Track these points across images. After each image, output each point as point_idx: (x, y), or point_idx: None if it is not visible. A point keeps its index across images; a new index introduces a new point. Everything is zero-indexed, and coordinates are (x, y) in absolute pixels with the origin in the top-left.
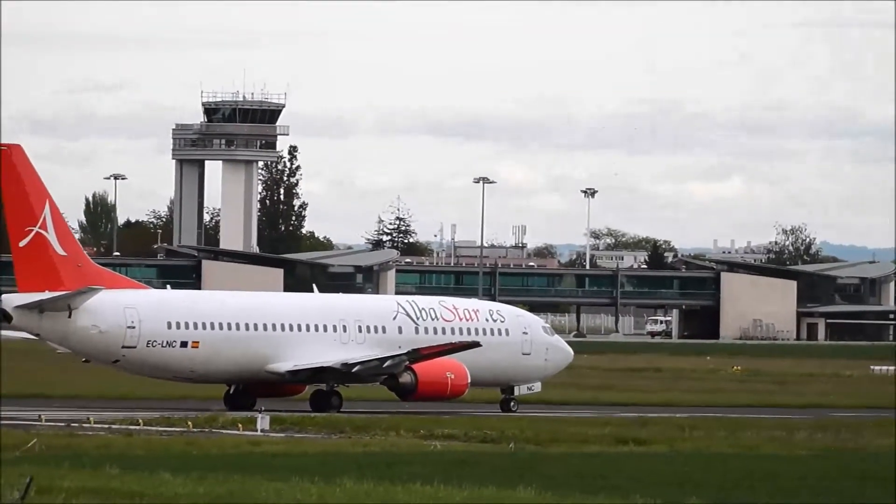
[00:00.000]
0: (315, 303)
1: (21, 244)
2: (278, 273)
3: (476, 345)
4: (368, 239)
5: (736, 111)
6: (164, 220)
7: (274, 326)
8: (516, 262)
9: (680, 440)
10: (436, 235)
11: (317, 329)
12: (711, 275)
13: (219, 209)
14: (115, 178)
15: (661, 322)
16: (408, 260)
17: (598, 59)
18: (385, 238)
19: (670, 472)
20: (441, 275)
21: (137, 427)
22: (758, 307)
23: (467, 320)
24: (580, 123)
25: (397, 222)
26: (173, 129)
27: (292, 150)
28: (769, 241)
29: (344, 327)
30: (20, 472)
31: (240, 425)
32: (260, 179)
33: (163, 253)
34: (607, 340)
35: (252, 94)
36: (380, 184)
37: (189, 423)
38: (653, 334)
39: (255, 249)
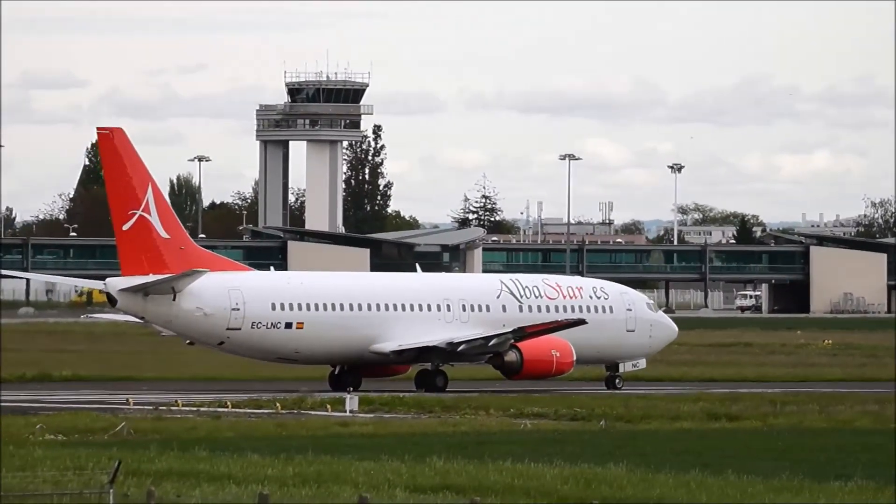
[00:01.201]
0: (419, 282)
1: (124, 227)
2: (364, 253)
3: (582, 322)
4: (454, 217)
5: (824, 82)
6: (248, 201)
7: (378, 306)
8: (603, 239)
9: (772, 416)
10: (522, 213)
11: (421, 308)
12: (800, 249)
13: (304, 190)
14: (200, 159)
15: (751, 297)
16: (494, 238)
17: (685, 35)
18: (471, 216)
19: (763, 448)
20: (528, 253)
21: (225, 409)
22: (848, 281)
23: (571, 298)
24: (666, 98)
25: (483, 200)
26: (257, 110)
27: (376, 130)
28: (858, 214)
29: (448, 306)
30: (109, 455)
31: (328, 407)
32: (344, 159)
33: (248, 234)
34: (696, 316)
35: (335, 73)
36: (465, 162)
37: (278, 404)
38: (742, 309)
39: (341, 229)
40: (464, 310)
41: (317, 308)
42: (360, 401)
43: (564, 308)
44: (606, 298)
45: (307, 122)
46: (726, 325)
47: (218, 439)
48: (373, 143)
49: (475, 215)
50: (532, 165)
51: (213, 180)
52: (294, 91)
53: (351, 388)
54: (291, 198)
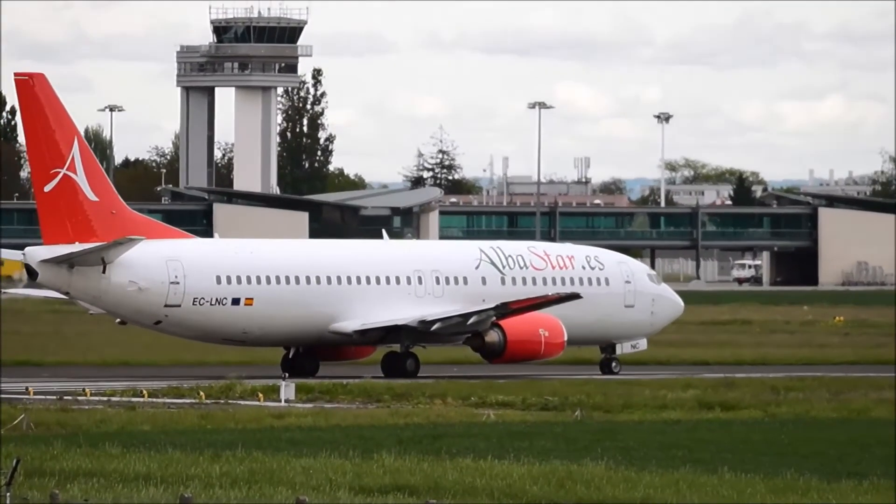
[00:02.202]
0: (385, 251)
1: (46, 189)
2: (302, 217)
3: (575, 296)
4: (407, 176)
5: (836, 18)
6: (168, 157)
7: (339, 279)
8: (579, 200)
9: (774, 404)
10: (485, 170)
11: (388, 282)
12: (807, 211)
13: (232, 144)
14: (111, 109)
15: (750, 267)
16: (453, 199)
17: None
18: (426, 174)
19: (764, 442)
20: (492, 216)
21: (141, 399)
22: (862, 248)
23: (561, 268)
24: (653, 37)
25: (440, 156)
26: (177, 52)
27: (316, 74)
28: (874, 170)
29: (419, 279)
30: (6, 453)
31: (260, 395)
32: (279, 109)
33: (168, 196)
34: (687, 289)
35: (268, 9)
36: (419, 112)
37: (201, 393)
38: (740, 281)
39: (276, 190)
40: (437, 283)
41: (268, 281)
42: (297, 388)
43: (553, 280)
44: (602, 269)
45: (236, 65)
46: (721, 299)
47: (133, 434)
48: (312, 90)
49: (431, 173)
50: (496, 115)
51: (127, 133)
52: (220, 30)
53: (286, 375)
54: (218, 154)
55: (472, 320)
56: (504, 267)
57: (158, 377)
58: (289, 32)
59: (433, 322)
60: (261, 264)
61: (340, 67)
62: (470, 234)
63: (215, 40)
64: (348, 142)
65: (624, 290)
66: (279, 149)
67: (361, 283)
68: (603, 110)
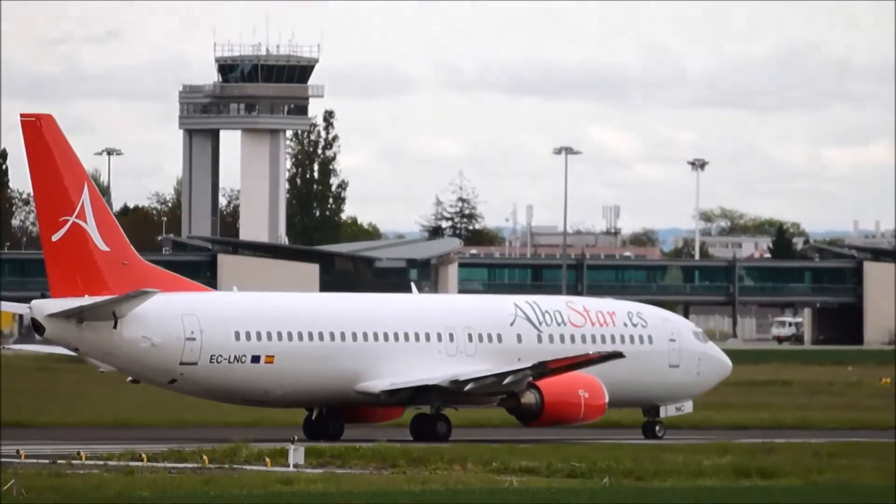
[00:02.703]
0: (415, 306)
1: (54, 238)
2: (313, 269)
3: (618, 355)
4: (424, 225)
5: (883, 53)
6: (170, 204)
7: (366, 336)
8: (608, 252)
9: (817, 471)
10: (507, 220)
11: (418, 338)
12: (852, 265)
13: (237, 191)
14: (109, 153)
15: (790, 324)
16: (473, 251)
17: None
18: (445, 224)
19: None
20: (515, 269)
21: (140, 463)
22: None
23: (601, 325)
24: (686, 75)
25: (460, 204)
26: (180, 92)
27: (328, 116)
28: None
29: (451, 336)
30: None
31: (267, 459)
32: (288, 153)
33: (169, 246)
34: (724, 347)
35: (277, 46)
36: (438, 156)
37: (204, 456)
38: (780, 339)
39: (284, 240)
40: (470, 340)
41: (290, 338)
42: (306, 452)
43: (593, 338)
44: (644, 326)
45: (242, 106)
46: (760, 358)
47: (131, 500)
48: (323, 133)
49: (450, 222)
50: (520, 160)
51: (126, 178)
52: (226, 68)
53: (295, 438)
54: (223, 201)
55: (507, 380)
56: (541, 323)
57: (159, 440)
58: (299, 71)
59: (466, 382)
60: (283, 319)
61: (353, 109)
62: (491, 288)
63: (220, 79)
64: (362, 188)
65: (668, 348)
66: (288, 196)
67: (390, 339)
68: (634, 155)
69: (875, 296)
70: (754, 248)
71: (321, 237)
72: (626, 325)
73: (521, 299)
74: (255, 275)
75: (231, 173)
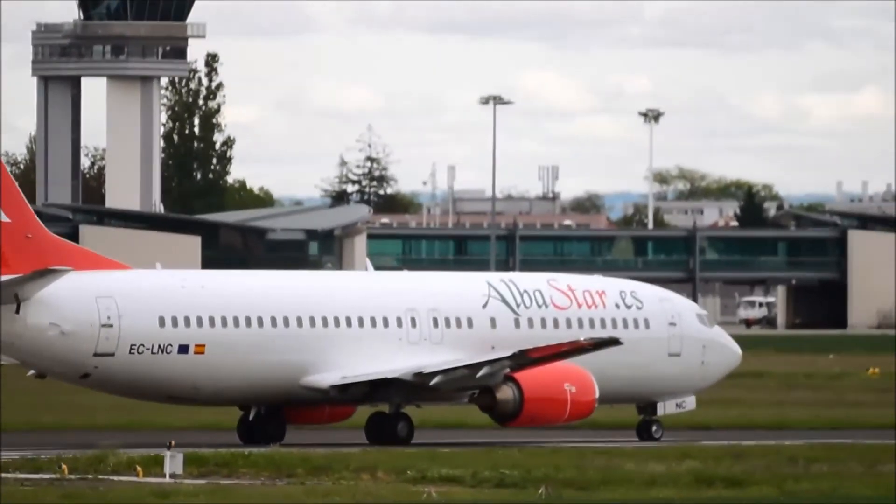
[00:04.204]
0: (371, 286)
1: None
2: (194, 242)
3: (615, 342)
4: (326, 190)
5: None
6: (21, 166)
7: (313, 321)
8: (545, 221)
9: (793, 479)
10: (425, 183)
11: (375, 324)
12: (834, 234)
13: (103, 150)
14: None
15: (761, 305)
16: (385, 220)
17: None
18: (351, 188)
19: None
20: (434, 241)
21: None
22: None
23: (589, 307)
24: (641, 12)
25: (368, 164)
26: (34, 32)
27: (211, 61)
28: None
29: (413, 320)
30: None
31: (139, 468)
32: (164, 105)
33: None
34: None
35: None
36: (344, 107)
37: (63, 466)
38: (748, 322)
39: (160, 208)
40: (436, 325)
41: (224, 324)
42: (185, 459)
43: (580, 322)
44: (640, 307)
45: (108, 48)
46: None
47: None
48: (205, 81)
49: (356, 186)
50: (441, 112)
51: None
52: (88, 3)
53: (172, 443)
54: (85, 162)
55: (482, 372)
56: (518, 305)
57: (9, 446)
58: (175, 7)
59: (432, 375)
60: (215, 302)
61: (241, 51)
62: (406, 264)
63: (81, 17)
64: (252, 146)
65: (668, 334)
66: (163, 156)
67: (341, 325)
68: (575, 106)
69: (861, 271)
70: (718, 216)
71: (203, 205)
72: (617, 306)
73: (496, 277)
74: (125, 249)
75: (95, 129)
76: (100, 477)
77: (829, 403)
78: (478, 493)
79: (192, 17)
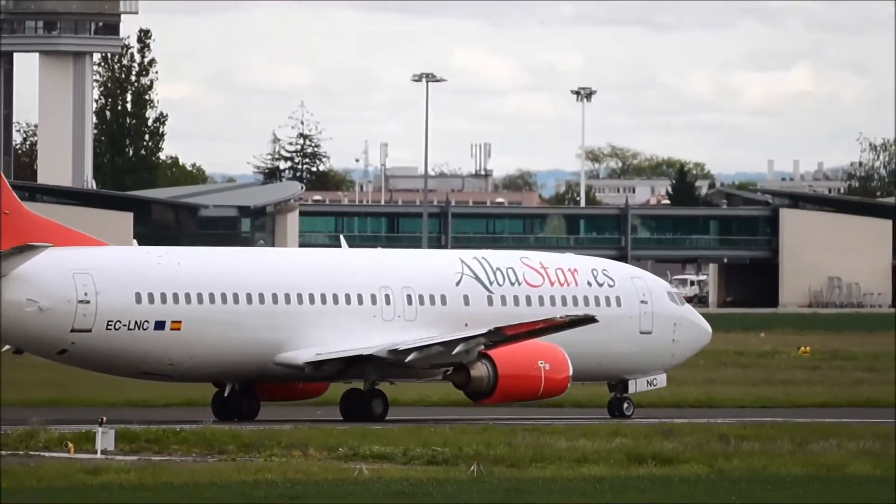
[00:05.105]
0: (344, 262)
1: None
2: (126, 218)
3: (591, 320)
4: (259, 167)
5: None
6: None
7: (288, 298)
8: (477, 199)
9: (723, 457)
10: (358, 160)
11: (349, 301)
12: (766, 212)
13: (35, 126)
14: None
15: (693, 283)
16: (317, 197)
17: None
18: (283, 165)
19: None
20: (367, 218)
21: None
22: (835, 259)
23: (561, 284)
24: None
25: (301, 141)
26: None
27: (143, 37)
28: (850, 161)
29: (387, 297)
30: None
31: (70, 444)
32: (96, 81)
33: None
34: None
35: None
36: (275, 84)
37: None
38: None
39: (92, 185)
40: (410, 302)
41: (200, 300)
42: (117, 436)
43: (552, 299)
44: (612, 285)
45: (40, 24)
46: None
47: None
48: (137, 57)
49: (289, 163)
50: (373, 89)
51: None
52: None
53: (103, 419)
54: (17, 137)
55: (457, 349)
56: (491, 283)
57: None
58: None
59: (408, 352)
60: (191, 279)
61: (174, 27)
62: (338, 241)
63: None
64: (184, 123)
65: (639, 311)
66: (96, 132)
67: (316, 302)
68: (507, 83)
69: (793, 249)
70: (650, 194)
71: (135, 181)
72: (589, 284)
73: (468, 254)
74: None
75: (27, 105)
76: (30, 453)
77: (759, 382)
78: (409, 471)
79: None
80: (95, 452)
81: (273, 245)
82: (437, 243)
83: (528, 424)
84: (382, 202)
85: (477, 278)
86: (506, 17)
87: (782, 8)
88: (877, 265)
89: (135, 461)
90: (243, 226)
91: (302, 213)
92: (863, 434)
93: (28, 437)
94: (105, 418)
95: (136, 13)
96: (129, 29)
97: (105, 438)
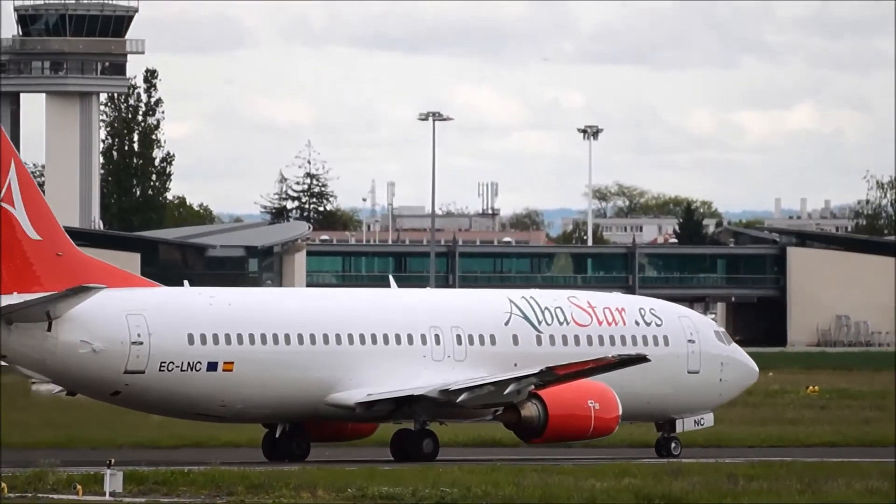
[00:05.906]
0: (395, 303)
1: None
2: (133, 259)
3: (643, 359)
4: (266, 207)
5: (810, 3)
6: None
7: (339, 338)
8: (485, 237)
9: (732, 495)
10: (365, 199)
11: (399, 341)
12: (773, 251)
13: (42, 166)
14: None
15: None
16: (324, 237)
17: None
18: (290, 205)
19: None
20: (374, 257)
21: None
22: (842, 298)
23: (610, 324)
24: (578, 26)
25: (308, 181)
26: None
27: (149, 76)
28: (857, 199)
29: (437, 337)
30: None
31: (78, 486)
32: (103, 121)
33: None
34: None
35: None
36: (281, 124)
37: (3, 484)
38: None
39: (99, 225)
40: (459, 342)
41: (252, 341)
42: (125, 478)
43: (601, 339)
44: (659, 324)
45: (47, 65)
46: None
47: None
48: (144, 97)
49: (296, 203)
50: (380, 128)
51: None
52: (27, 19)
53: (112, 461)
54: None
55: (509, 389)
56: (540, 322)
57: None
58: (114, 23)
59: (459, 392)
60: (243, 320)
61: (180, 67)
62: (346, 280)
63: (20, 32)
64: (191, 162)
65: (687, 351)
66: (102, 172)
67: (367, 342)
68: (513, 121)
69: (801, 288)
70: (657, 232)
71: (142, 221)
72: (637, 323)
73: (517, 294)
74: None
75: (34, 145)
76: (39, 495)
77: (768, 421)
78: None
79: (131, 33)
80: (104, 494)
81: (280, 285)
82: (444, 282)
83: (540, 464)
84: (389, 241)
85: (526, 318)
86: (509, 55)
87: (786, 44)
88: (883, 304)
89: (143, 503)
90: (251, 266)
91: (309, 253)
92: (869, 473)
93: (36, 478)
94: (113, 460)
95: (143, 53)
96: (135, 69)
97: (113, 480)
